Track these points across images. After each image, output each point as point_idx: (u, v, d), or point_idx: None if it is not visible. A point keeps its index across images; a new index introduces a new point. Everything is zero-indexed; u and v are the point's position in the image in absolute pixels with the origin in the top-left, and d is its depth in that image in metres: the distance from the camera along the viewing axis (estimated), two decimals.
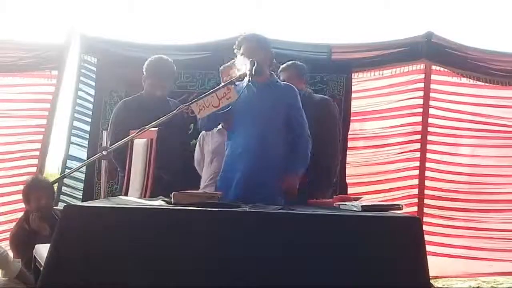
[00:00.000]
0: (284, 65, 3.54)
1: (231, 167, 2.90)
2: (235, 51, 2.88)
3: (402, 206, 2.48)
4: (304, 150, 2.93)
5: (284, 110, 2.90)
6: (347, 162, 4.15)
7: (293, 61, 3.61)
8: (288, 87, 2.98)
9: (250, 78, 2.66)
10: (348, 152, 4.17)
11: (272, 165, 2.85)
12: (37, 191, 3.33)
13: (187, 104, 2.61)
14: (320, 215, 2.16)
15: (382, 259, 1.99)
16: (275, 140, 2.88)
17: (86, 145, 4.16)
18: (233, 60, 2.85)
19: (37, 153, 4.23)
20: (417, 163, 4.35)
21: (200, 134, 3.64)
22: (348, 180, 4.04)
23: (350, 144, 4.19)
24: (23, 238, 3.31)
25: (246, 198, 2.51)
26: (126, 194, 2.77)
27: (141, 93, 3.33)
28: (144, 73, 3.26)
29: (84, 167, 3.98)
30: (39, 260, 2.64)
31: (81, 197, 4.10)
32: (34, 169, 4.21)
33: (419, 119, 4.34)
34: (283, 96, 2.91)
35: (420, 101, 4.33)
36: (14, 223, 3.90)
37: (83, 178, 4.14)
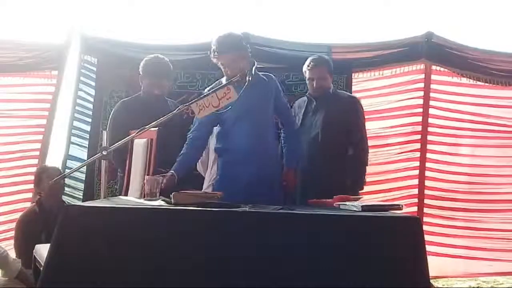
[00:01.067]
0: (315, 60, 3.39)
1: (228, 168, 2.89)
2: (214, 60, 2.84)
3: (402, 206, 2.48)
4: (296, 138, 3.06)
5: (271, 102, 2.92)
6: None
7: (319, 56, 3.49)
8: (269, 79, 2.95)
9: (250, 78, 2.65)
10: None
11: (269, 163, 2.85)
12: (49, 171, 3.53)
13: (187, 104, 2.60)
14: (320, 215, 2.16)
15: (382, 259, 1.99)
16: (268, 137, 2.91)
17: (86, 145, 4.16)
18: None
19: (37, 153, 4.22)
20: (417, 163, 4.35)
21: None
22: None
23: None
24: (32, 222, 3.38)
25: (246, 198, 2.50)
26: (126, 194, 2.77)
27: (139, 93, 3.33)
28: (141, 73, 3.26)
29: (84, 167, 3.98)
30: (39, 260, 2.64)
31: (81, 197, 4.11)
32: (34, 169, 4.20)
33: (419, 119, 4.33)
34: (267, 90, 2.91)
35: (420, 101, 4.32)
36: (14, 223, 3.91)
37: (83, 178, 4.14)
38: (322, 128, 3.34)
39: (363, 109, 3.62)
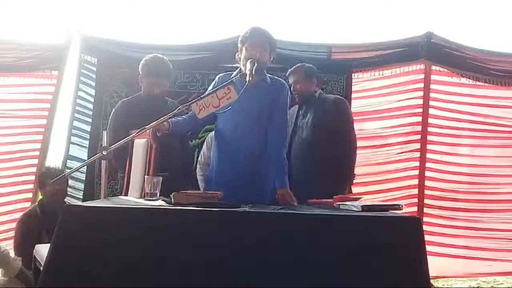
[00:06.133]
0: (292, 68, 3.54)
1: (218, 170, 2.89)
2: (239, 45, 2.84)
3: (402, 206, 2.47)
4: (279, 159, 2.81)
5: (268, 108, 2.84)
6: None
7: (302, 63, 3.60)
8: (276, 84, 2.89)
9: (250, 78, 2.64)
10: None
11: (258, 167, 2.82)
12: (53, 174, 3.40)
13: (187, 104, 2.60)
14: (320, 215, 2.16)
15: (382, 259, 1.99)
16: (261, 142, 2.83)
17: (86, 145, 4.18)
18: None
19: (37, 153, 4.23)
20: (417, 163, 4.36)
21: (209, 135, 3.65)
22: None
23: None
24: (32, 222, 3.38)
25: (232, 198, 2.46)
26: (126, 194, 2.77)
27: (139, 93, 3.33)
28: (140, 73, 3.25)
29: (84, 167, 3.98)
30: (39, 260, 2.65)
31: (81, 197, 4.11)
32: (34, 169, 4.22)
33: (419, 119, 4.34)
34: (268, 94, 2.84)
35: (420, 101, 4.34)
36: (14, 223, 3.91)
37: (83, 178, 4.15)
38: (310, 130, 3.44)
39: (349, 109, 3.67)
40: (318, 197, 2.71)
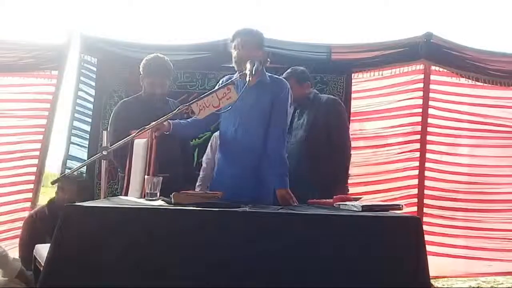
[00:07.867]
0: (284, 74, 3.50)
1: (220, 170, 2.89)
2: (231, 50, 2.84)
3: (402, 206, 2.48)
4: (279, 158, 2.78)
5: (269, 108, 2.81)
6: None
7: (292, 69, 3.57)
8: (276, 83, 2.86)
9: (250, 79, 2.64)
10: None
11: (259, 167, 2.81)
12: (68, 184, 3.46)
13: (187, 104, 2.60)
14: (320, 215, 2.16)
15: (382, 259, 1.99)
16: (263, 142, 2.81)
17: (86, 145, 4.18)
18: None
19: (37, 153, 4.23)
20: (416, 163, 4.36)
21: (213, 135, 3.65)
22: (348, 180, 4.05)
23: None
24: (40, 222, 3.38)
25: (232, 197, 2.49)
26: (126, 194, 2.77)
27: (140, 93, 3.33)
28: (141, 72, 3.25)
29: (84, 167, 3.98)
30: (39, 260, 2.65)
31: None
32: (34, 169, 4.22)
33: (418, 119, 4.35)
34: (268, 94, 2.82)
35: (420, 101, 4.34)
36: (14, 223, 3.92)
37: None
38: (304, 131, 3.45)
39: (343, 109, 3.63)
40: (312, 198, 2.72)
